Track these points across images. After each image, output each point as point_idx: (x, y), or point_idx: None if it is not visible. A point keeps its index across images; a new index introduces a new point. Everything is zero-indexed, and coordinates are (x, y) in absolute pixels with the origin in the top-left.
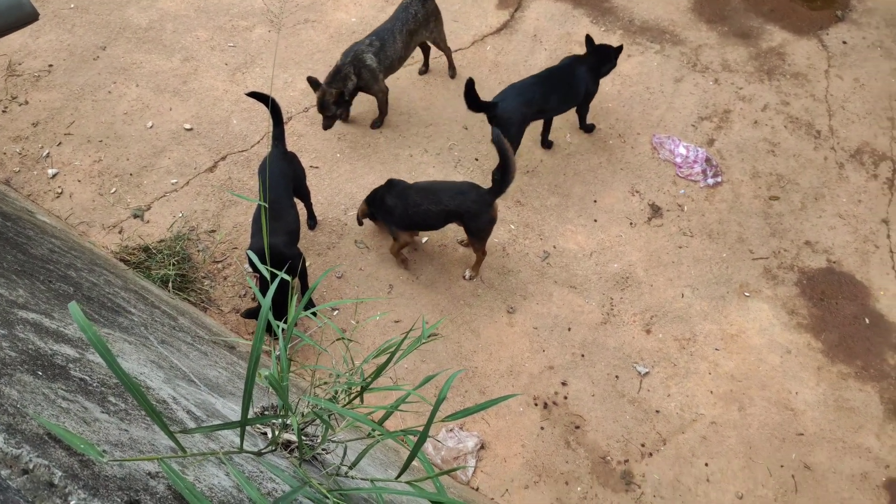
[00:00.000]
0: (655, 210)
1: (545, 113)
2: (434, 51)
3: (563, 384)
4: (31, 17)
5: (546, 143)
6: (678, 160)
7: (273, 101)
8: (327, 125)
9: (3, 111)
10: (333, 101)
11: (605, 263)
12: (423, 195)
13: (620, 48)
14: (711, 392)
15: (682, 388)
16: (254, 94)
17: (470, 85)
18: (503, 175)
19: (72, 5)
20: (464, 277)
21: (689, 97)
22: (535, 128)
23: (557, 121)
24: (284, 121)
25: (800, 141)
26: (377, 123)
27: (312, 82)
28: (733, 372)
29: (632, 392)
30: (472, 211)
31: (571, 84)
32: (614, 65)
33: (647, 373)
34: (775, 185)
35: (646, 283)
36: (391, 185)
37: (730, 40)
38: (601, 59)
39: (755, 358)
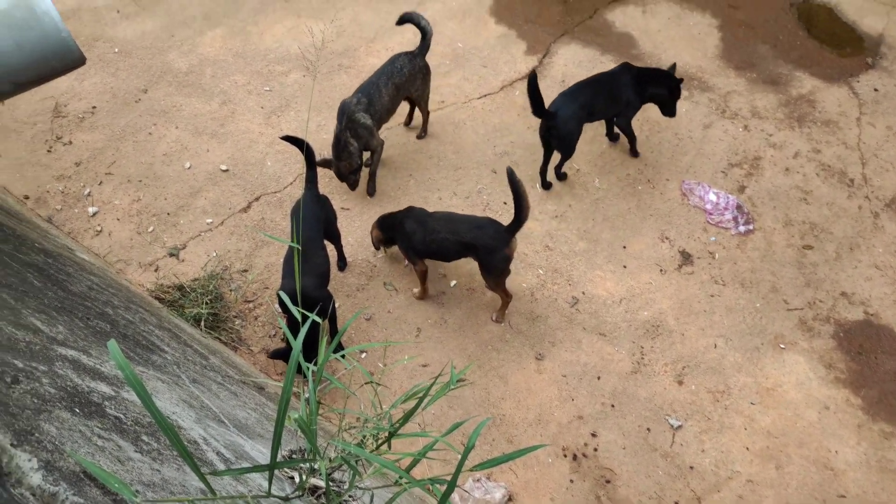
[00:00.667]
0: (686, 257)
1: (595, 115)
2: (462, 94)
3: (593, 435)
4: (79, 61)
5: (612, 137)
6: (708, 207)
7: (307, 145)
8: (353, 187)
9: (49, 151)
10: (349, 171)
11: (635, 311)
12: (441, 224)
13: (677, 81)
14: (747, 448)
15: (716, 444)
16: (288, 138)
17: (533, 82)
18: (517, 212)
19: (116, 50)
20: (492, 319)
21: (718, 143)
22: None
23: (586, 165)
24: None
25: (833, 189)
26: (371, 189)
27: (324, 163)
28: (770, 428)
29: (664, 446)
30: (488, 246)
31: (615, 89)
32: (666, 94)
33: (679, 426)
34: (809, 233)
35: (677, 332)
36: (411, 211)
37: (759, 87)
38: (649, 77)
39: (792, 413)
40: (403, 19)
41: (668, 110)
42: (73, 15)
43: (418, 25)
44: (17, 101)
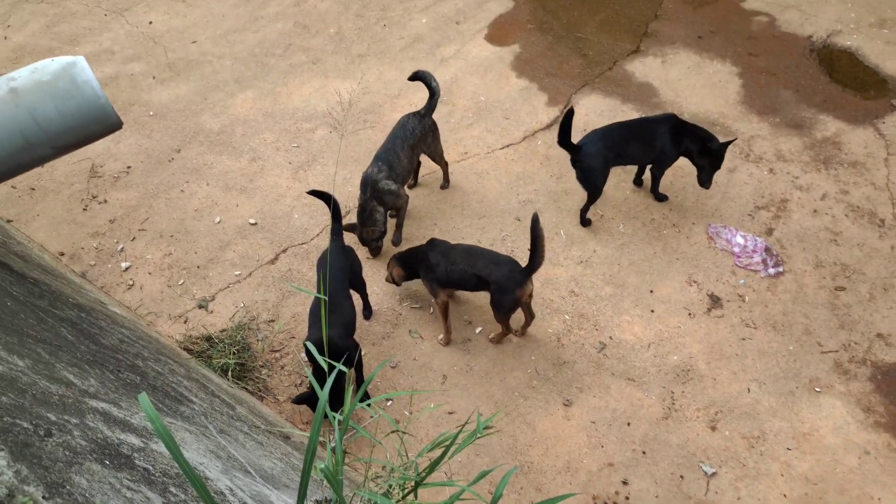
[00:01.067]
0: (715, 301)
1: (625, 159)
2: (485, 145)
3: (624, 483)
4: (116, 126)
5: (638, 182)
6: (736, 250)
7: (333, 198)
8: (376, 253)
9: (84, 209)
10: (373, 238)
11: (664, 355)
12: (462, 256)
13: (720, 145)
14: (785, 496)
15: (752, 491)
16: (315, 193)
17: (568, 118)
18: (532, 256)
19: (151, 113)
20: (489, 338)
21: (743, 187)
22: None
23: (610, 210)
24: (343, 215)
25: (863, 230)
26: (398, 239)
27: (350, 227)
28: (807, 474)
29: (699, 494)
30: (501, 284)
31: (651, 138)
32: (703, 150)
33: (714, 473)
34: (840, 275)
35: (708, 377)
36: (434, 243)
37: (782, 131)
38: (687, 131)
39: (830, 459)
40: (415, 77)
41: (704, 176)
42: (112, 82)
43: (429, 86)
44: (56, 163)
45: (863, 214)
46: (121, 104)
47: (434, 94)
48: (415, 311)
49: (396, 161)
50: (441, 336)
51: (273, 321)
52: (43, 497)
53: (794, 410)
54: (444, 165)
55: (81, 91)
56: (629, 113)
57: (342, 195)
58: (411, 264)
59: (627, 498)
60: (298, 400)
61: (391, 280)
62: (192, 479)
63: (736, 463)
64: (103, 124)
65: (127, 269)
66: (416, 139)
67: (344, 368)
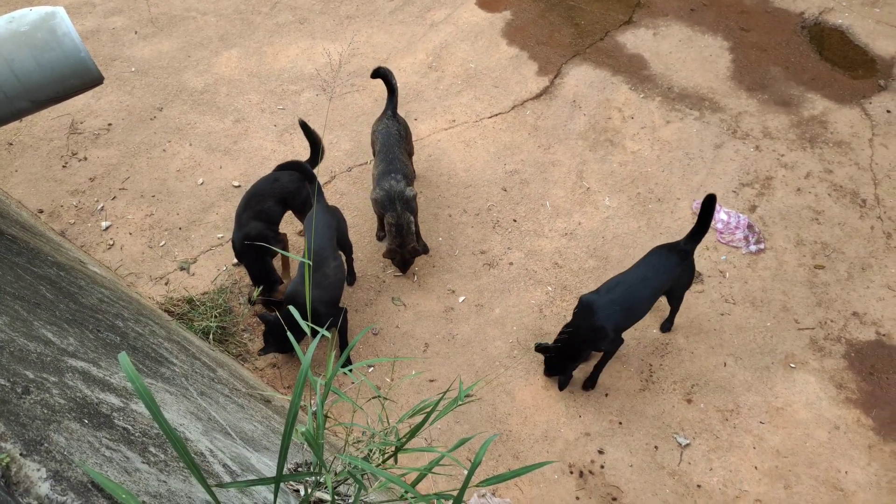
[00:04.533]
0: (697, 276)
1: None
2: (473, 113)
3: (600, 452)
4: (97, 80)
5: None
6: (719, 226)
7: (305, 166)
8: (406, 270)
9: (64, 166)
10: (414, 253)
11: (644, 329)
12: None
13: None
14: (756, 468)
15: (724, 463)
16: (305, 127)
17: (709, 207)
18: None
19: (133, 69)
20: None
21: (729, 163)
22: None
23: (596, 183)
24: (327, 180)
25: (845, 209)
26: (423, 247)
27: (389, 254)
28: (779, 447)
29: (672, 464)
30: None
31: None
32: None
33: (687, 444)
34: (820, 253)
35: (686, 351)
36: (586, 305)
37: (770, 108)
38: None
39: (802, 433)
40: (377, 74)
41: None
42: (93, 35)
43: (389, 83)
44: (35, 119)
45: (845, 194)
46: (101, 59)
47: (394, 92)
48: (398, 279)
49: (404, 167)
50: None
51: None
52: (21, 454)
53: (769, 385)
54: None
55: (61, 43)
56: (619, 85)
57: (327, 159)
58: (577, 350)
59: (602, 466)
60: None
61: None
62: (172, 438)
63: (710, 435)
64: (83, 78)
65: (107, 228)
66: (403, 140)
67: (327, 334)
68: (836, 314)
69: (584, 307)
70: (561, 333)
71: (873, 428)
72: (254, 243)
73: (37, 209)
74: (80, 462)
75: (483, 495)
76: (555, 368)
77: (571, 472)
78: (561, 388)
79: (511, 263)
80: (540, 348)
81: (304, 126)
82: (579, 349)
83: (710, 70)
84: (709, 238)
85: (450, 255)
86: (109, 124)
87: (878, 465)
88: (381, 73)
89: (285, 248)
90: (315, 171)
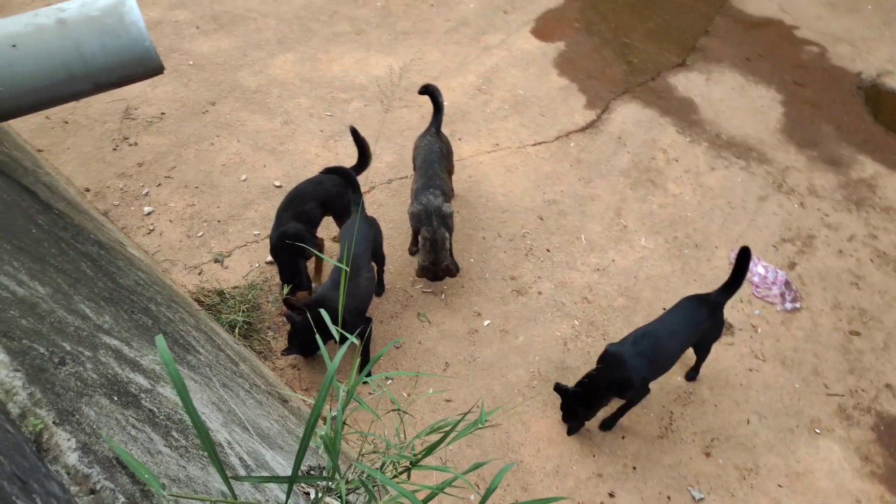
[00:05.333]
0: (727, 328)
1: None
2: (517, 140)
3: (611, 495)
4: (157, 70)
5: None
6: (755, 279)
7: (350, 173)
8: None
9: (114, 149)
10: (446, 274)
11: (668, 375)
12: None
13: None
14: None
15: None
16: (355, 133)
17: (743, 263)
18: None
19: (190, 63)
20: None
21: (772, 217)
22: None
23: (634, 222)
24: (367, 190)
25: (886, 277)
26: (456, 266)
27: (421, 272)
28: None
29: None
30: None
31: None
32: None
33: (702, 499)
34: (857, 319)
35: (710, 403)
36: (613, 356)
37: (818, 166)
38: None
39: (821, 502)
40: (425, 91)
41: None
42: (156, 27)
43: (436, 101)
44: (91, 100)
45: (888, 262)
46: (162, 50)
47: (440, 110)
48: (426, 295)
49: (443, 183)
50: None
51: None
52: (54, 422)
53: (792, 448)
54: (451, 177)
55: (128, 30)
56: (666, 127)
57: (369, 170)
58: (592, 399)
59: None
60: (287, 352)
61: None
62: (198, 427)
63: (725, 492)
64: (145, 67)
65: (149, 213)
66: (444, 158)
67: (356, 341)
68: (867, 384)
69: (611, 357)
70: (582, 379)
71: None
72: (290, 243)
73: (84, 187)
74: (108, 438)
75: None
76: (569, 413)
77: None
78: (570, 433)
79: (540, 293)
80: (559, 389)
81: (355, 133)
82: (599, 396)
83: (761, 121)
84: (744, 291)
85: (480, 277)
86: (163, 113)
87: None
88: (429, 91)
89: (321, 251)
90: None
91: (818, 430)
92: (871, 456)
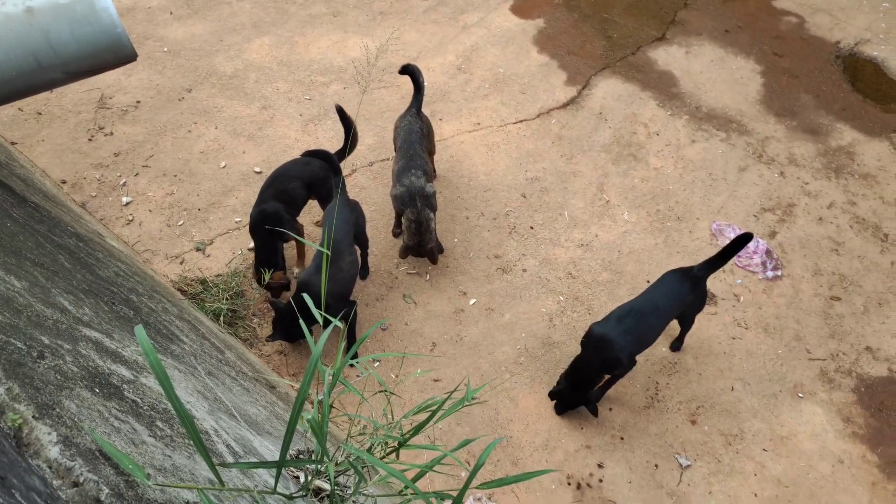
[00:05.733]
0: (710, 297)
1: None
2: (498, 118)
3: (600, 466)
4: (130, 57)
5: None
6: None
7: (331, 156)
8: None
9: (90, 140)
10: (433, 248)
11: (653, 346)
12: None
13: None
14: (755, 495)
15: (724, 487)
16: (341, 112)
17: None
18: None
19: (165, 49)
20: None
21: (752, 187)
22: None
23: (616, 197)
24: (348, 173)
25: (865, 242)
26: (439, 247)
27: (405, 252)
28: (780, 476)
29: (671, 484)
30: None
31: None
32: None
33: (688, 465)
34: (837, 284)
35: (694, 371)
36: (599, 337)
37: (798, 135)
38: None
39: (805, 464)
40: (405, 71)
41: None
42: (128, 13)
43: (416, 81)
44: (65, 90)
45: (867, 227)
46: (135, 37)
47: (420, 90)
48: (411, 277)
49: (424, 164)
50: None
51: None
52: (33, 417)
53: (775, 413)
54: (432, 159)
55: (99, 17)
56: (646, 101)
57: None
58: (588, 380)
59: (601, 480)
60: (272, 338)
61: None
62: (181, 415)
63: (711, 458)
64: (117, 54)
65: (127, 203)
66: (425, 138)
67: (340, 324)
68: (848, 347)
69: (597, 339)
70: (570, 368)
71: (878, 465)
72: (268, 224)
73: (60, 180)
74: (90, 430)
75: (479, 499)
76: (572, 402)
77: (569, 484)
78: (559, 412)
79: (525, 270)
80: (553, 393)
81: (341, 111)
82: (592, 379)
83: (740, 92)
84: None
85: (464, 256)
86: (138, 101)
87: None
88: (409, 70)
89: (301, 235)
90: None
91: (801, 395)
92: (852, 417)
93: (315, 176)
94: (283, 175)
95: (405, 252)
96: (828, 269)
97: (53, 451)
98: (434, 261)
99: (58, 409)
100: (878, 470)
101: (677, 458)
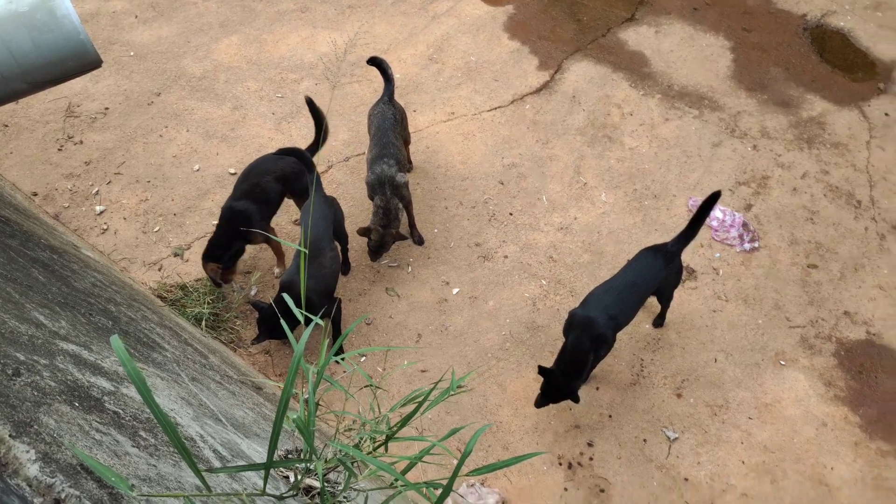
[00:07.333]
0: (690, 272)
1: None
2: (472, 106)
3: (589, 445)
4: (95, 64)
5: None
6: (714, 223)
7: (305, 153)
8: (376, 258)
9: (59, 149)
10: (396, 237)
11: (636, 324)
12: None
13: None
14: (743, 462)
15: (712, 457)
16: (311, 104)
17: (708, 206)
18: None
19: (132, 53)
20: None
21: (726, 162)
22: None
23: (593, 178)
24: (324, 169)
25: (840, 210)
26: (419, 238)
27: (364, 232)
28: (766, 442)
29: (660, 457)
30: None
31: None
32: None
33: (676, 438)
34: (814, 253)
35: (678, 346)
36: (582, 319)
37: (769, 108)
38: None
39: (789, 429)
40: (372, 62)
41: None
42: (92, 18)
43: (385, 73)
44: (31, 101)
45: (841, 195)
46: (100, 42)
47: (390, 81)
48: (393, 270)
49: (398, 152)
50: None
51: (249, 273)
52: (10, 435)
53: (759, 382)
54: (408, 146)
55: (60, 25)
56: (619, 82)
57: (324, 149)
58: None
59: (591, 459)
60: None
61: None
62: (162, 423)
63: (698, 429)
64: (82, 61)
65: (101, 212)
66: (398, 125)
67: (321, 322)
68: (827, 313)
69: (580, 321)
70: (560, 356)
71: (860, 425)
72: (235, 222)
73: (31, 192)
74: (70, 444)
75: (472, 485)
76: (556, 394)
77: (560, 464)
78: (540, 405)
79: (506, 256)
80: (543, 370)
81: (311, 104)
82: (586, 362)
83: (711, 69)
84: (703, 235)
85: (445, 246)
86: (106, 108)
87: (863, 462)
88: (376, 63)
89: (266, 240)
90: (314, 158)
91: (783, 362)
92: (833, 381)
93: (287, 170)
94: (256, 169)
95: (365, 231)
96: (804, 238)
97: (33, 469)
98: (375, 258)
99: (36, 426)
100: (860, 430)
101: (665, 431)
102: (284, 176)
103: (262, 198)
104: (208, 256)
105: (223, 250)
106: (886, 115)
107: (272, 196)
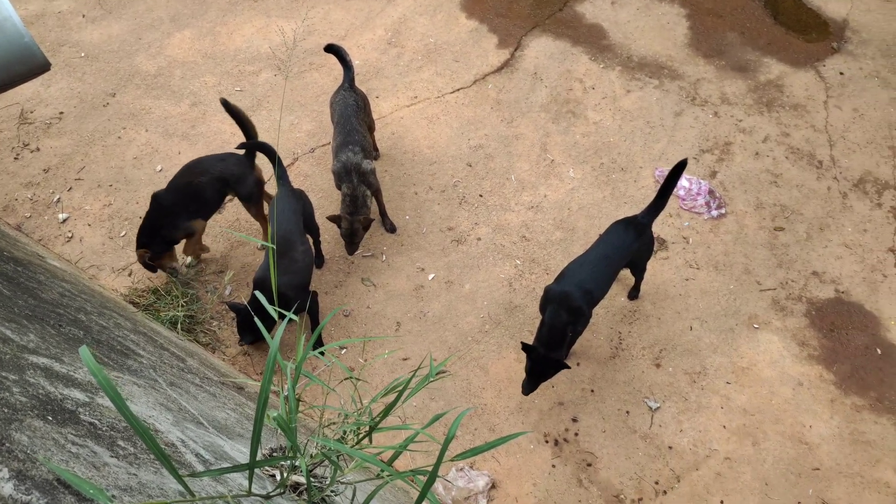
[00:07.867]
0: (660, 243)
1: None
2: (434, 89)
3: (574, 420)
4: (43, 67)
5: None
6: (681, 193)
7: (268, 145)
8: (353, 250)
9: (16, 158)
10: (364, 227)
11: (612, 297)
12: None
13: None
14: (724, 427)
15: (694, 424)
16: (248, 146)
17: (676, 174)
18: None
19: (82, 54)
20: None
21: (689, 130)
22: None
23: (560, 155)
24: (290, 162)
25: (802, 171)
26: (391, 226)
27: (334, 219)
28: (745, 406)
29: (643, 428)
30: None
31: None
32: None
33: (658, 408)
34: (779, 215)
35: (653, 317)
36: (558, 294)
37: (728, 74)
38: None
39: (767, 391)
40: (329, 50)
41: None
42: (37, 20)
43: (343, 60)
44: None
45: (802, 156)
46: (49, 45)
47: (349, 67)
48: (367, 260)
49: (362, 139)
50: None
51: (223, 272)
52: None
53: (734, 346)
54: (373, 133)
55: (2, 28)
56: (579, 56)
57: (289, 141)
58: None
59: (577, 434)
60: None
61: None
62: (138, 429)
63: (679, 397)
64: (29, 65)
65: (65, 220)
66: (361, 111)
67: (295, 318)
68: (796, 274)
69: (556, 295)
70: (536, 337)
71: (835, 382)
72: (158, 216)
73: None
74: (45, 460)
75: (461, 469)
76: (549, 365)
77: (547, 442)
78: (527, 391)
79: (479, 239)
80: (526, 346)
81: (226, 105)
82: (564, 335)
83: (668, 38)
84: (671, 205)
85: (417, 233)
86: (61, 113)
87: (840, 419)
88: (333, 50)
89: (188, 236)
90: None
91: (756, 325)
92: (806, 340)
93: (228, 171)
94: (194, 167)
95: (336, 219)
96: (769, 202)
97: (7, 488)
98: (351, 250)
99: (7, 444)
100: (834, 387)
101: (646, 401)
102: (224, 178)
103: (192, 195)
104: (137, 242)
105: (148, 238)
106: (841, 73)
107: (208, 195)
